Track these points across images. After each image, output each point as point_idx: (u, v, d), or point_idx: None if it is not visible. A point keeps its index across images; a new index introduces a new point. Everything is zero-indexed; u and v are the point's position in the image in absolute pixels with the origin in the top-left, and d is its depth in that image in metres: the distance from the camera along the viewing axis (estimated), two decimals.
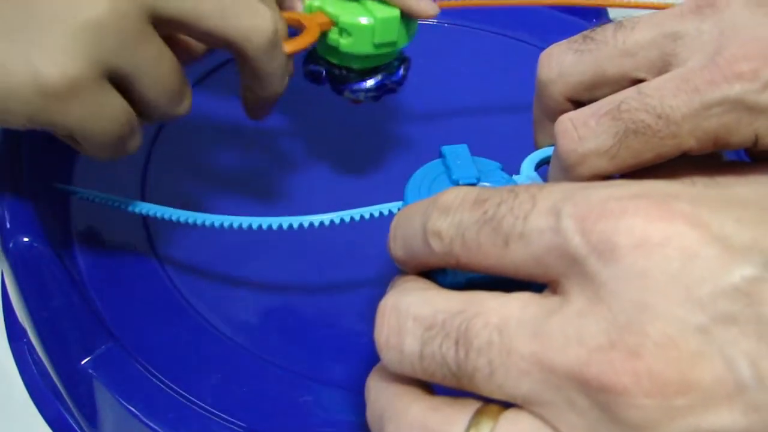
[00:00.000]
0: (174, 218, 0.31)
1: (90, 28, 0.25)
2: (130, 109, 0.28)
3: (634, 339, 0.16)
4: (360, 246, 0.35)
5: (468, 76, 0.48)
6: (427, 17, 0.34)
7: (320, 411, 0.30)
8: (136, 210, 0.32)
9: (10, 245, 0.29)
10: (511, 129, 0.40)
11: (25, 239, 0.30)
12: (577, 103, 0.26)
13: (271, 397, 0.30)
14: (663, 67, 0.23)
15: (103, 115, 0.26)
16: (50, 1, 0.25)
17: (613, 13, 0.55)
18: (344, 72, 0.35)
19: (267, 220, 0.29)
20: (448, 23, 0.52)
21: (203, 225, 0.30)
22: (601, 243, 0.17)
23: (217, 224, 0.30)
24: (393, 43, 0.34)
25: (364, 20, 0.33)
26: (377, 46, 0.33)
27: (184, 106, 0.30)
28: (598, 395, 0.16)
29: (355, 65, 0.35)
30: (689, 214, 0.17)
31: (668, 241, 0.16)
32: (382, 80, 0.36)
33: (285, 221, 0.29)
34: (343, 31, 0.33)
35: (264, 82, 0.31)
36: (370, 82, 0.35)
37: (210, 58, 0.39)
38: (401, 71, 0.36)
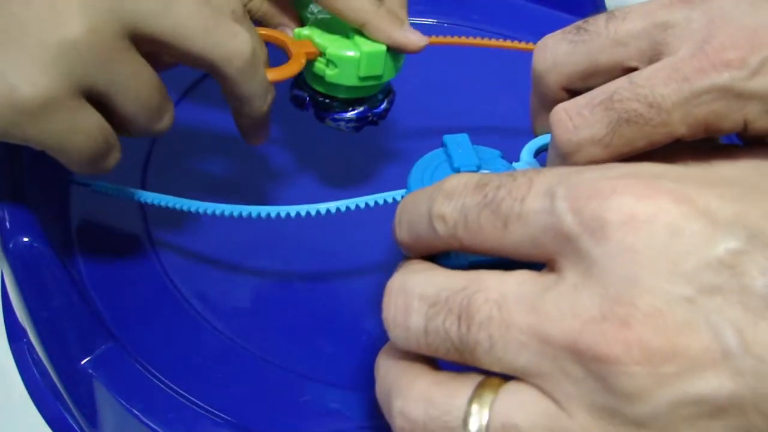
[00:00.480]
0: (185, 208, 0.31)
1: (65, 47, 0.25)
2: (107, 127, 0.28)
3: (624, 311, 0.17)
4: (365, 237, 0.35)
5: (467, 75, 0.48)
6: (415, 51, 0.34)
7: (320, 411, 0.30)
8: (149, 201, 0.32)
9: (10, 245, 0.29)
10: (511, 119, 0.40)
11: (25, 239, 0.30)
12: (573, 92, 0.26)
13: (271, 397, 0.30)
14: (654, 55, 0.24)
15: (77, 131, 0.26)
16: (28, 19, 0.25)
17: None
18: (327, 101, 0.36)
19: (275, 208, 0.30)
20: (448, 23, 0.52)
21: (213, 214, 0.31)
22: (592, 221, 0.18)
23: (227, 213, 0.30)
24: (378, 77, 0.34)
25: (350, 53, 0.33)
26: (362, 79, 0.34)
27: (164, 123, 0.30)
28: (591, 365, 0.17)
29: (340, 95, 0.35)
30: (675, 192, 0.18)
31: (655, 217, 0.17)
32: (363, 112, 0.36)
33: (292, 209, 0.29)
34: (329, 62, 0.34)
35: (246, 102, 0.31)
36: (351, 113, 0.36)
37: None
38: (384, 104, 0.37)
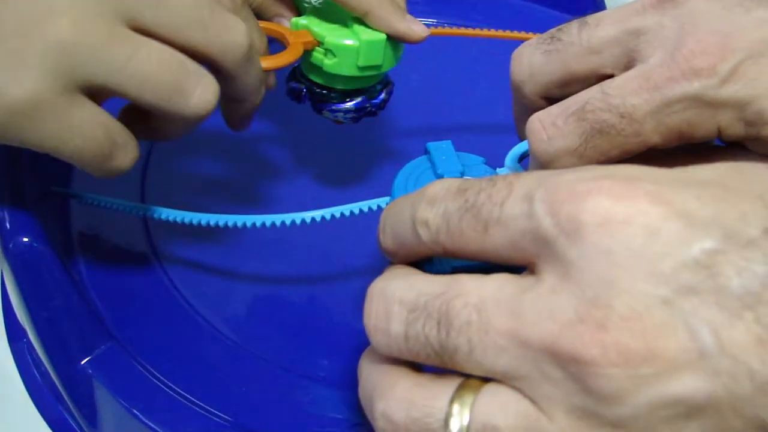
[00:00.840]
0: (171, 219, 0.31)
1: (52, 45, 0.25)
2: (111, 123, 0.27)
3: (600, 313, 0.17)
4: (353, 242, 0.36)
5: (466, 70, 0.48)
6: (416, 41, 0.34)
7: (319, 411, 0.30)
8: (141, 213, 0.32)
9: (10, 245, 0.29)
10: (497, 124, 0.40)
11: (25, 239, 0.30)
12: (552, 99, 0.26)
13: (270, 397, 0.30)
14: (629, 62, 0.24)
15: (74, 130, 0.26)
16: (15, 20, 0.25)
17: None
18: (325, 92, 0.35)
19: (260, 218, 0.30)
20: (447, 23, 0.52)
21: (199, 224, 0.30)
22: (568, 223, 0.18)
23: (212, 223, 0.30)
24: (378, 67, 0.34)
25: (349, 42, 0.33)
26: (361, 68, 0.33)
27: (197, 99, 0.27)
28: (569, 367, 0.17)
29: (338, 86, 0.35)
30: (652, 193, 0.18)
31: (631, 219, 0.17)
32: (362, 103, 0.35)
33: (278, 218, 0.30)
34: (328, 51, 0.33)
35: (239, 95, 0.31)
36: (349, 104, 0.35)
37: None
38: (383, 95, 0.36)
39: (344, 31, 0.33)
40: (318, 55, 0.33)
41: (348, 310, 0.34)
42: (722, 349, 0.16)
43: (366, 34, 0.33)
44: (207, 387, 0.30)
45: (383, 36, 0.33)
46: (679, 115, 0.22)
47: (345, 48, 0.33)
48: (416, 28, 0.33)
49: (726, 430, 0.17)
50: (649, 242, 0.17)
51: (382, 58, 0.33)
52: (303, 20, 0.34)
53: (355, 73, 0.33)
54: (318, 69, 0.34)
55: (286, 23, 0.35)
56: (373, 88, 0.36)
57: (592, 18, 0.25)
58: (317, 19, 0.34)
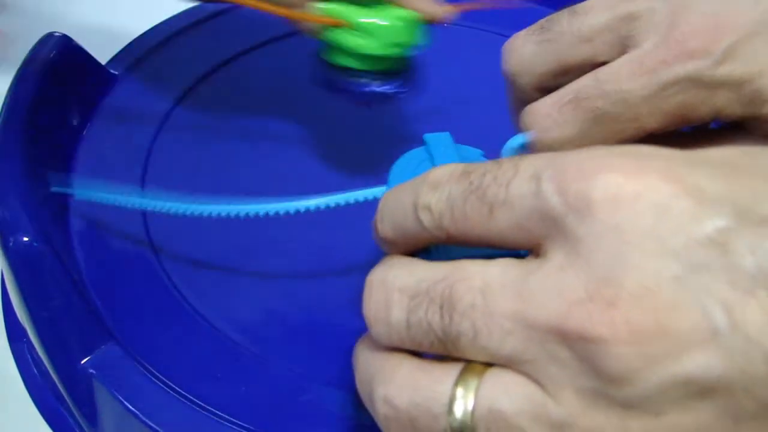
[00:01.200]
0: (165, 210, 0.31)
1: None
2: None
3: (610, 290, 0.16)
4: (352, 237, 0.35)
5: (458, 66, 0.48)
6: (441, 21, 0.35)
7: (320, 411, 0.30)
8: (135, 205, 0.32)
9: (10, 245, 0.29)
10: (494, 117, 0.40)
11: (25, 239, 0.29)
12: (548, 89, 0.26)
13: (271, 397, 0.30)
14: (622, 49, 0.24)
15: None
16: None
17: None
18: (352, 71, 0.37)
19: (253, 207, 0.30)
20: (447, 23, 0.52)
21: (192, 215, 0.30)
22: (577, 200, 0.17)
23: (195, 213, 0.30)
24: (407, 45, 0.35)
25: (382, 22, 0.34)
26: (392, 47, 0.35)
27: None
28: (577, 346, 0.17)
29: (365, 67, 0.36)
30: (663, 170, 0.17)
31: (642, 195, 0.17)
32: (388, 85, 0.37)
33: (272, 208, 0.29)
34: (359, 31, 0.34)
35: None
36: (376, 83, 0.37)
37: (210, 56, 0.39)
38: (400, 81, 0.38)
39: (372, 11, 0.35)
40: (346, 35, 0.35)
41: (348, 308, 0.34)
42: (735, 328, 0.16)
43: (396, 13, 0.34)
44: (207, 387, 0.30)
45: (414, 15, 0.35)
46: (674, 98, 0.22)
47: (378, 27, 0.34)
48: (439, 8, 0.35)
49: (737, 412, 0.16)
50: (660, 219, 0.17)
51: (411, 37, 0.35)
52: (329, 5, 0.35)
53: (386, 51, 0.35)
54: (344, 50, 0.36)
55: (312, 10, 0.36)
56: (396, 70, 0.38)
57: (581, 6, 0.24)
58: (342, 3, 0.35)
